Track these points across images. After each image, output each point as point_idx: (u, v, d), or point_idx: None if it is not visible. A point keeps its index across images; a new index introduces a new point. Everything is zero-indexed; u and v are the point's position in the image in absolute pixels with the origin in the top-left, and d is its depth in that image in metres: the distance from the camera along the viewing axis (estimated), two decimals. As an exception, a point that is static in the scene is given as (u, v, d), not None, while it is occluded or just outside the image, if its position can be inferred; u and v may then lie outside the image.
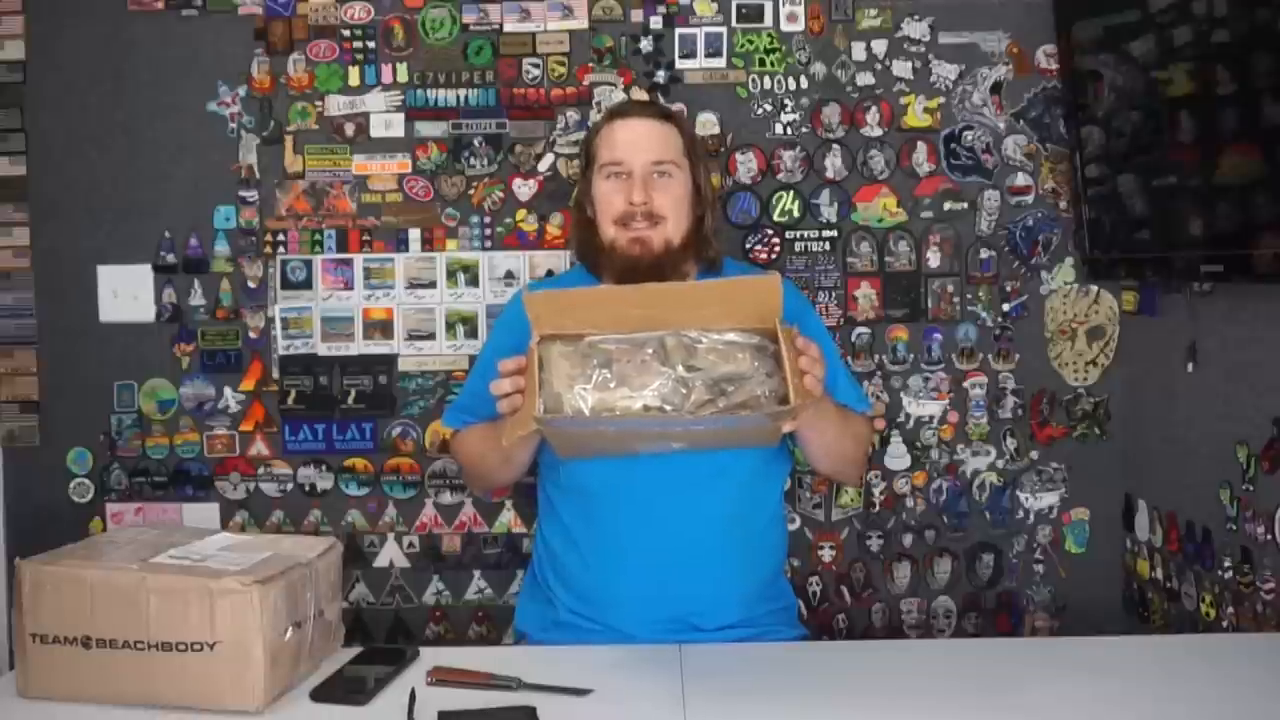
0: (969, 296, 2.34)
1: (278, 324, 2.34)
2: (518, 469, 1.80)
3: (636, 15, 2.30)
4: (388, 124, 2.32)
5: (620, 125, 1.80)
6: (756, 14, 2.31)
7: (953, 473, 2.36)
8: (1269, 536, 1.83)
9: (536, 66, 2.31)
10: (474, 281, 2.33)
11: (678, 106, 2.26)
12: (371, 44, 2.31)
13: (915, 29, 2.31)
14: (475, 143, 2.32)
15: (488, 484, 2.05)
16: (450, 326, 2.33)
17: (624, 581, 1.73)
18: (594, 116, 2.30)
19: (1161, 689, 1.39)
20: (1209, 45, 1.74)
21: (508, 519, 2.35)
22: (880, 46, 2.31)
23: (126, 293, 2.33)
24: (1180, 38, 1.80)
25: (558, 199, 2.33)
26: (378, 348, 2.34)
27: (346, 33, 2.31)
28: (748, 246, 2.31)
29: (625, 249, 1.74)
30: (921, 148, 2.32)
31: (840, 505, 2.36)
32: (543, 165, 2.33)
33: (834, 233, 2.33)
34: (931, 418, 2.34)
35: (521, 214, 2.33)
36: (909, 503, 2.36)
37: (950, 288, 2.34)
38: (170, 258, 2.33)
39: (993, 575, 2.37)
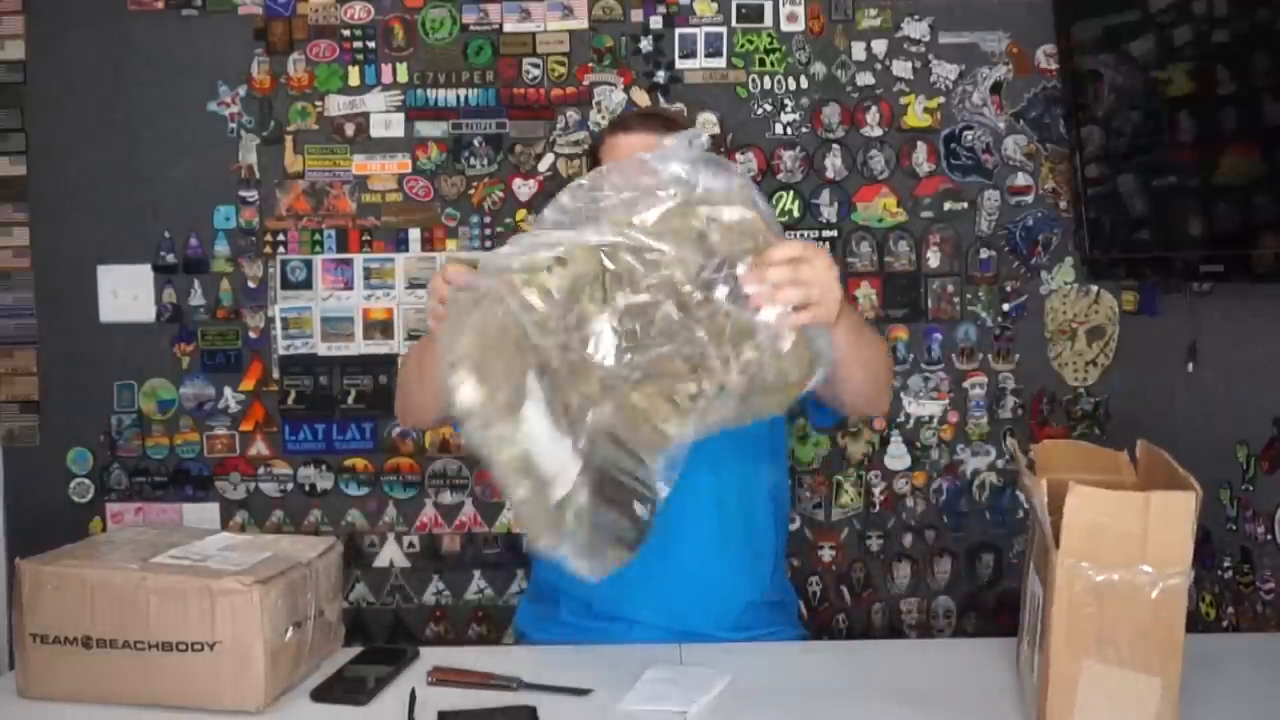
0: (969, 296, 2.34)
1: (278, 324, 2.34)
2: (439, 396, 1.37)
3: (636, 15, 2.30)
4: (388, 124, 2.32)
5: (622, 141, 1.69)
6: (756, 14, 2.30)
7: (953, 473, 2.35)
8: (1269, 536, 1.82)
9: (536, 66, 2.31)
10: (474, 281, 2.33)
11: (677, 107, 2.26)
12: (371, 44, 2.31)
13: (915, 29, 2.31)
14: (475, 143, 2.32)
15: (413, 409, 1.72)
16: (450, 326, 2.33)
17: (628, 579, 1.72)
18: (594, 116, 2.30)
19: (1161, 689, 1.38)
20: (1209, 45, 1.74)
21: (508, 519, 2.35)
22: (880, 46, 2.31)
23: (126, 293, 2.33)
24: (1180, 38, 1.80)
25: (558, 199, 2.32)
26: (378, 348, 2.34)
27: (346, 33, 2.31)
28: (748, 246, 2.31)
29: None
30: (921, 148, 2.32)
31: (840, 505, 2.36)
32: (543, 165, 2.32)
33: (834, 233, 2.33)
34: (932, 418, 2.34)
35: (521, 214, 2.33)
36: (909, 503, 2.36)
37: (950, 288, 2.34)
38: (170, 258, 2.33)
39: (993, 575, 2.37)
